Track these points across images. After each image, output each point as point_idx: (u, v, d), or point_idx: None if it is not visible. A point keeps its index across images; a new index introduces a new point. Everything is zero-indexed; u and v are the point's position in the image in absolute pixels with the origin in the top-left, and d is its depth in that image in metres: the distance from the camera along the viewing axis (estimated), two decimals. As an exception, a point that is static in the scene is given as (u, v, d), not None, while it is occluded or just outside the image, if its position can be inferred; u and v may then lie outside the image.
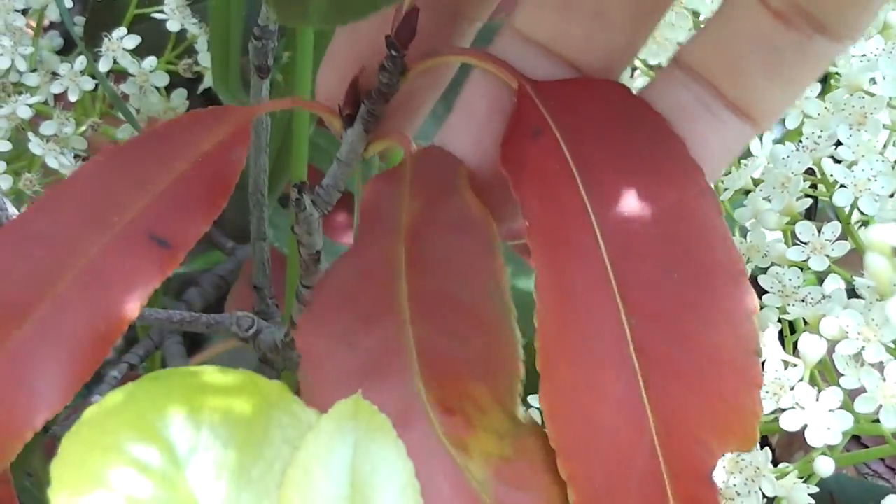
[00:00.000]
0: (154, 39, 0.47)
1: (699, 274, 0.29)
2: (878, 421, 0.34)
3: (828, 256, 0.37)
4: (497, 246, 0.30)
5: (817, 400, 0.34)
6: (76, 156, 0.46)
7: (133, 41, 0.46)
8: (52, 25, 0.49)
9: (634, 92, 0.33)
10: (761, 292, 0.37)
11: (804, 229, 0.37)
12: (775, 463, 0.36)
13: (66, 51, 0.48)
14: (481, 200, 0.31)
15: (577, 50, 0.32)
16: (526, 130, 0.31)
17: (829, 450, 0.34)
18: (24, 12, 0.47)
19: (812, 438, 0.33)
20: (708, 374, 0.29)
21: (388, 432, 0.27)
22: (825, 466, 0.34)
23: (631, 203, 0.30)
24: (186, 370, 0.28)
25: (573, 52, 0.32)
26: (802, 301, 0.36)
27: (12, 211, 0.43)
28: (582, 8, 0.32)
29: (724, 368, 0.29)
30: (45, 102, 0.46)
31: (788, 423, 0.34)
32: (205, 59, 0.48)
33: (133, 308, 0.29)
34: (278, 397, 0.28)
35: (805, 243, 0.37)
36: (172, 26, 0.47)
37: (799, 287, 0.37)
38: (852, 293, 0.37)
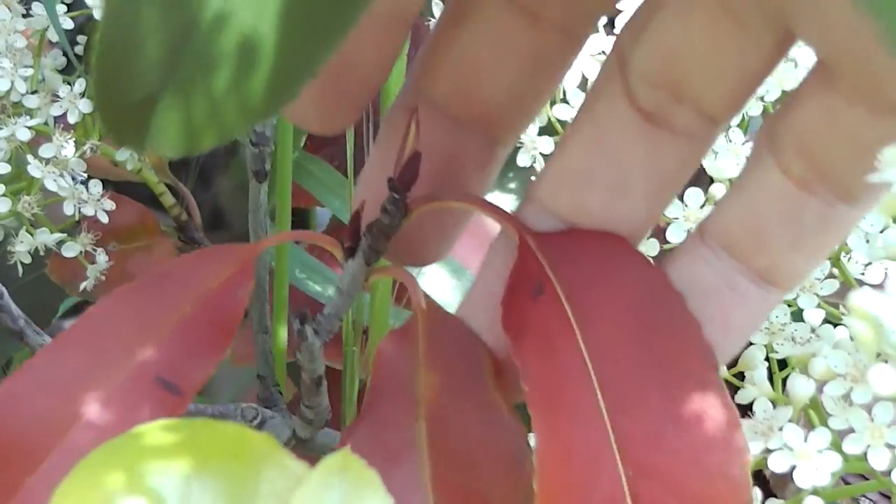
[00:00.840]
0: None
1: (696, 427, 0.30)
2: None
3: (817, 295, 0.37)
4: (528, 450, 0.31)
5: (805, 441, 0.34)
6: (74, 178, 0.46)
7: (131, 63, 0.46)
8: (56, 44, 0.49)
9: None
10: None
11: (794, 268, 0.37)
12: (769, 495, 0.36)
13: (71, 69, 0.48)
14: (499, 377, 0.32)
15: (598, 222, 0.32)
16: (526, 288, 0.31)
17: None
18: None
19: (800, 480, 0.34)
20: None
21: (376, 487, 0.27)
22: (814, 507, 0.34)
23: (630, 357, 0.31)
24: (177, 423, 0.28)
25: (594, 224, 0.32)
26: (791, 339, 0.37)
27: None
28: (602, 182, 0.32)
29: None
30: (46, 124, 0.46)
31: (776, 464, 0.34)
32: (203, 81, 0.48)
33: None
34: (268, 451, 0.28)
35: (795, 281, 0.37)
36: (171, 49, 0.47)
37: (786, 324, 0.37)
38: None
